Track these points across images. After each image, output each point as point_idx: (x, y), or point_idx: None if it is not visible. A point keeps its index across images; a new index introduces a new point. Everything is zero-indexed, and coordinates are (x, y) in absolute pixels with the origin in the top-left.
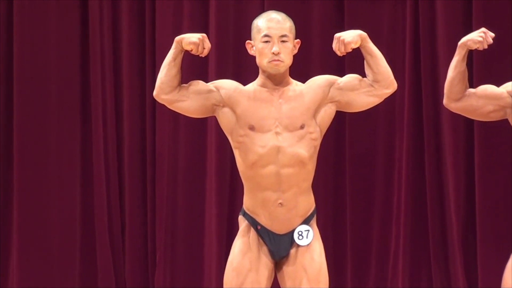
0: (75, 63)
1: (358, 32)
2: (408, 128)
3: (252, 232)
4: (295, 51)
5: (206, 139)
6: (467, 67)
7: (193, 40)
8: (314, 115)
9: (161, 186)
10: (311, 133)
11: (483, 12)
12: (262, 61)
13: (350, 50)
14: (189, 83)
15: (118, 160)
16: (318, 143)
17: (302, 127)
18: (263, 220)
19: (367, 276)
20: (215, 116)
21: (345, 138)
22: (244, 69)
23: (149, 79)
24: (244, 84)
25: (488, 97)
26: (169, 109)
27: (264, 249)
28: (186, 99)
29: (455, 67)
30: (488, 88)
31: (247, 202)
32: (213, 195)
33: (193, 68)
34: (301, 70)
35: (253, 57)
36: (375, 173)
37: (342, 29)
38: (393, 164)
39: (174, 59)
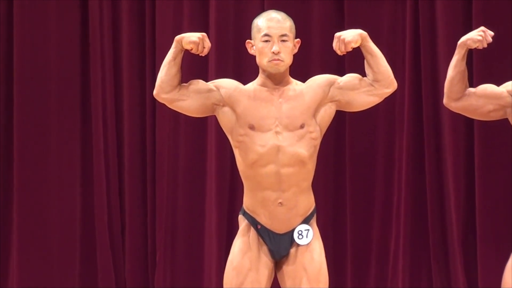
0: (75, 63)
1: (359, 31)
2: (408, 128)
3: (252, 231)
4: (295, 51)
5: (206, 139)
6: (467, 67)
7: (193, 39)
8: (314, 115)
9: (161, 186)
10: (311, 132)
11: (483, 12)
12: (262, 61)
13: (351, 50)
14: (189, 82)
15: (118, 160)
16: (318, 142)
17: (302, 126)
18: (263, 220)
19: (367, 276)
20: (215, 116)
21: (345, 138)
22: (244, 69)
23: (149, 79)
24: (244, 83)
25: (488, 97)
26: (169, 108)
27: (264, 248)
28: (186, 98)
29: (455, 67)
30: (488, 88)
31: (247, 202)
32: (213, 195)
33: (193, 68)
34: (301, 70)
35: (253, 57)
36: (375, 173)
37: (342, 29)
38: (393, 164)
39: (174, 58)
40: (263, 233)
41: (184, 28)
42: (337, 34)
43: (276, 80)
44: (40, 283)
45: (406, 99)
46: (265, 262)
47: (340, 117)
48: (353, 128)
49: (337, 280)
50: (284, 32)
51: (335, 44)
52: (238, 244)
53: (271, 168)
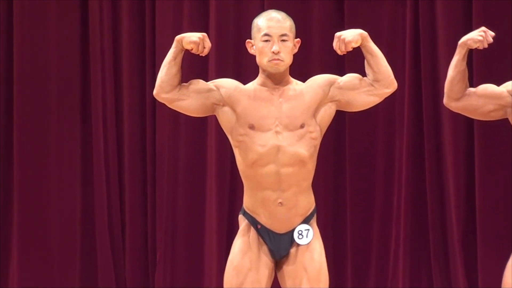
0: (75, 63)
1: (359, 31)
2: (408, 128)
3: (252, 231)
4: (295, 50)
5: (206, 139)
6: (467, 67)
7: (193, 39)
8: (314, 115)
9: (161, 186)
10: (311, 132)
11: (483, 12)
12: (262, 60)
13: (351, 49)
14: (189, 82)
15: (118, 160)
16: (318, 142)
17: (302, 126)
18: (263, 219)
19: (367, 276)
20: (215, 116)
21: (345, 138)
22: (244, 68)
23: (149, 79)
24: (244, 83)
25: (488, 96)
26: (169, 109)
27: (264, 248)
28: (186, 98)
29: (455, 67)
30: (488, 88)
31: (247, 201)
32: (213, 195)
33: (193, 68)
34: (301, 70)
35: (253, 57)
36: (375, 173)
37: (342, 29)
38: (393, 164)
39: (175, 58)
40: (263, 233)
41: (184, 28)
42: (337, 34)
43: (276, 80)
44: (40, 283)
45: (406, 99)
46: (265, 262)
47: (340, 117)
48: (353, 128)
49: (337, 280)
50: (284, 32)
51: (335, 44)
52: (238, 244)
53: (271, 168)
